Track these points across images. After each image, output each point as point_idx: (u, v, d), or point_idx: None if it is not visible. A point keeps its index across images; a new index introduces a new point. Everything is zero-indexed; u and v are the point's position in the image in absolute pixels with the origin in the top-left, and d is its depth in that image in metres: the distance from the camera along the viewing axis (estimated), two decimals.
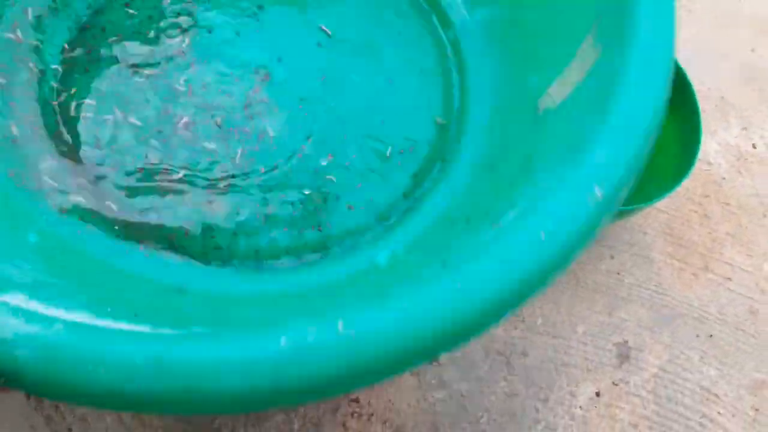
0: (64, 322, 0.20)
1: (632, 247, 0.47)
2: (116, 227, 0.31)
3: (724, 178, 0.50)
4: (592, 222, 0.22)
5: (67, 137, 0.33)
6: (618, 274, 0.46)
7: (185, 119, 0.34)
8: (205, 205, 0.33)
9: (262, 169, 0.34)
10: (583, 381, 0.43)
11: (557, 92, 0.31)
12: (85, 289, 0.25)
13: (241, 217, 0.33)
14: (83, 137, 0.33)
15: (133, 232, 0.31)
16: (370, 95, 0.37)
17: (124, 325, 0.20)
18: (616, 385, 0.43)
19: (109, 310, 0.22)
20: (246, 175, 0.34)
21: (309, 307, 0.25)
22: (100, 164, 0.33)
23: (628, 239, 0.48)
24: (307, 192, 0.34)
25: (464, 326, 0.20)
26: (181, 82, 0.35)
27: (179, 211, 0.32)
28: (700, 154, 0.50)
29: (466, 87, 0.38)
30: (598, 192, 0.22)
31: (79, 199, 0.31)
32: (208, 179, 0.33)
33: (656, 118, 0.24)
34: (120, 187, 0.32)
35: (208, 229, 0.32)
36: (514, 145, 0.33)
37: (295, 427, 0.40)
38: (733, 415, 0.44)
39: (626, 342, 0.44)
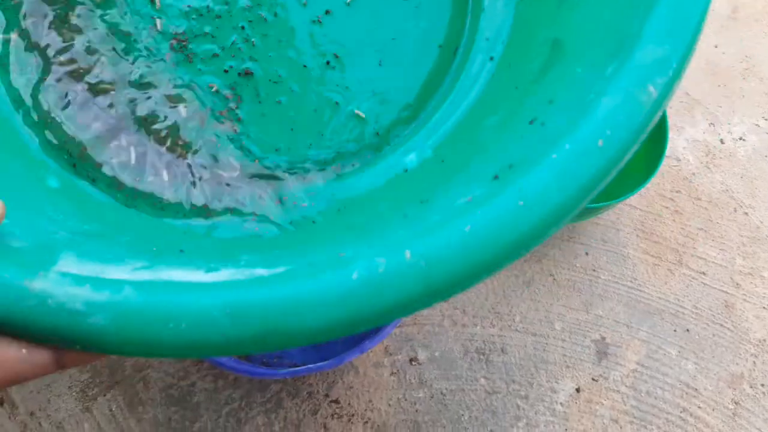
0: (132, 284, 0.20)
1: (606, 244, 0.48)
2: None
3: (693, 174, 0.51)
4: (646, 124, 0.21)
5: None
6: (593, 271, 0.47)
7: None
8: (227, 125, 0.32)
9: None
10: (563, 377, 0.43)
11: None
12: (124, 232, 0.25)
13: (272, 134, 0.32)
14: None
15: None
16: None
17: (184, 273, 0.21)
18: (596, 380, 0.44)
19: (154, 249, 0.22)
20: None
21: (366, 231, 0.24)
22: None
23: (601, 236, 0.48)
24: (336, 101, 0.33)
25: (529, 236, 0.20)
26: None
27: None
28: (669, 151, 0.52)
29: None
30: (653, 90, 0.21)
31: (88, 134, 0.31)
32: (227, 96, 0.33)
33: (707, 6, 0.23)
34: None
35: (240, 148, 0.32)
36: (536, 29, 0.31)
37: (276, 429, 0.40)
38: (713, 409, 0.44)
39: (604, 338, 0.45)
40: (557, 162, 0.20)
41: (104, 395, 0.40)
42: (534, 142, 0.23)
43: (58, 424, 0.39)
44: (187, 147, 0.32)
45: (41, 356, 0.20)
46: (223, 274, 0.21)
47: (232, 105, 0.33)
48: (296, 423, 0.40)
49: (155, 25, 0.34)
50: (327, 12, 0.35)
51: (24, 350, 0.20)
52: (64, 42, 0.32)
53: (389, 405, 0.41)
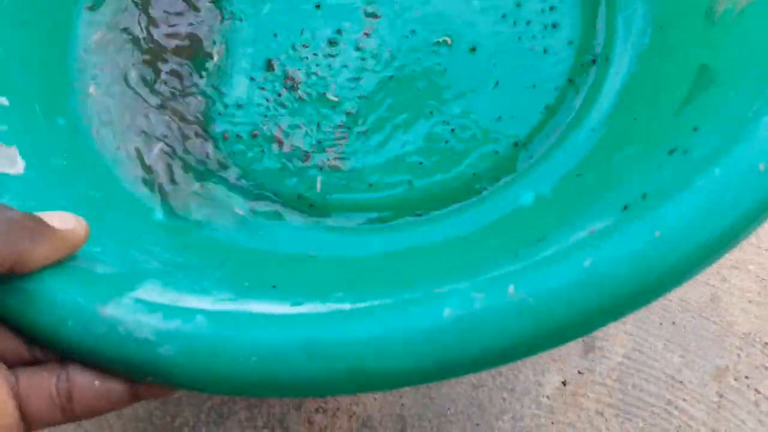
0: (205, 313, 0.18)
1: None
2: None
3: None
4: None
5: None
6: None
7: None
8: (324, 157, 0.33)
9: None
10: (549, 371, 0.43)
11: None
12: (217, 265, 0.24)
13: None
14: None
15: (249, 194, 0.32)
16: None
17: (266, 306, 0.19)
18: (582, 374, 0.43)
19: (246, 284, 0.21)
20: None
21: (465, 265, 0.22)
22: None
23: None
24: (452, 128, 0.33)
25: (667, 275, 0.17)
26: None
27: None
28: None
29: None
30: None
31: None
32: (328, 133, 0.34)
33: None
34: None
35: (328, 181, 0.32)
36: (680, 54, 0.28)
37: (259, 424, 0.39)
38: (698, 402, 0.45)
39: None
40: (704, 189, 0.17)
41: None
42: (674, 170, 0.20)
43: None
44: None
45: (114, 388, 0.19)
46: (306, 307, 0.19)
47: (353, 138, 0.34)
48: (280, 418, 0.40)
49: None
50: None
51: (96, 381, 0.19)
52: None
53: (375, 399, 0.41)
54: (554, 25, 0.35)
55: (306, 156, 0.33)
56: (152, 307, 0.19)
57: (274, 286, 0.22)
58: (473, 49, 0.35)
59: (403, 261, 0.28)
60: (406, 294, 0.19)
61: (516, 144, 0.33)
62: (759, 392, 0.46)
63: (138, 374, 0.19)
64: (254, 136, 0.34)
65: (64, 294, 0.19)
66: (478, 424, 0.41)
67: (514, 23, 0.35)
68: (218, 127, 0.34)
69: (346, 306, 0.18)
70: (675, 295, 0.46)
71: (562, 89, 0.33)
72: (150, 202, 0.29)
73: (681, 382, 0.44)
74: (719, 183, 0.17)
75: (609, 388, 0.43)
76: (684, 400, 0.44)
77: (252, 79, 0.35)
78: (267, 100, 0.35)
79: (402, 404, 0.41)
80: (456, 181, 0.32)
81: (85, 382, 0.19)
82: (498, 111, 0.33)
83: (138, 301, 0.19)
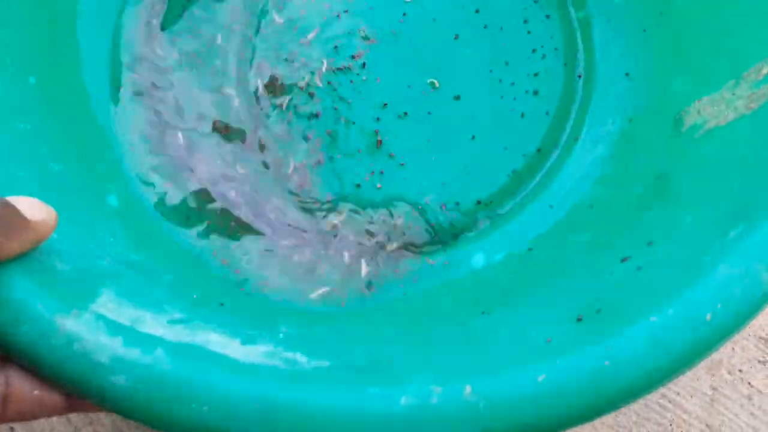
0: (164, 345, 0.18)
1: None
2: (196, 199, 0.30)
3: None
4: (761, 306, 0.19)
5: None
6: None
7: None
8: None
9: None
10: None
11: (711, 112, 0.27)
12: (168, 269, 0.24)
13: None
14: None
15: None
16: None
17: (220, 340, 0.19)
18: None
19: (195, 296, 0.21)
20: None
21: (424, 339, 0.22)
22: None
23: None
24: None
25: (611, 401, 0.18)
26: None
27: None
28: None
29: (593, 79, 0.35)
30: None
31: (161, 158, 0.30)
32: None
33: None
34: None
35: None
36: (644, 154, 0.29)
37: None
38: (692, 396, 0.45)
39: None
40: (656, 327, 0.18)
41: None
42: (627, 288, 0.21)
43: None
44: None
45: (52, 400, 0.19)
46: (259, 351, 0.19)
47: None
48: None
49: None
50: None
51: (36, 391, 0.18)
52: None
53: None
54: (535, 92, 0.35)
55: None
56: (114, 329, 0.18)
57: (221, 304, 0.22)
58: (457, 98, 0.35)
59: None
60: (362, 357, 0.19)
61: (479, 202, 0.33)
62: (752, 386, 0.45)
63: (81, 393, 0.18)
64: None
65: (24, 294, 0.18)
66: None
67: (500, 81, 0.35)
68: None
69: (302, 360, 0.19)
70: None
71: (530, 157, 0.34)
72: (106, 183, 0.28)
73: None
74: (671, 323, 0.18)
75: None
76: (677, 393, 0.44)
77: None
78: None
79: None
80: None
81: (24, 390, 0.18)
82: (469, 164, 0.34)
83: (99, 317, 0.18)
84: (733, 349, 0.45)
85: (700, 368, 0.45)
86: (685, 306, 0.18)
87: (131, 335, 0.18)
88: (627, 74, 0.33)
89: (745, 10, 0.27)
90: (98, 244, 0.22)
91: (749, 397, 0.45)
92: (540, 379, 0.17)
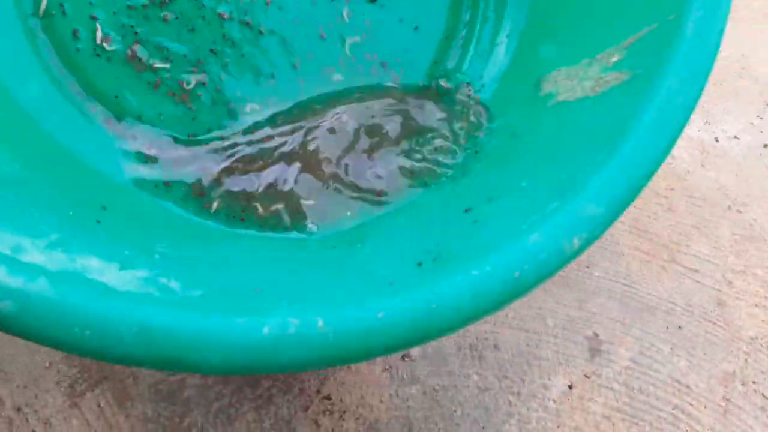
0: (46, 273, 0.19)
1: (599, 241, 0.48)
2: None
3: (688, 172, 0.51)
4: (558, 269, 0.22)
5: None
6: (587, 267, 0.47)
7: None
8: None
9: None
10: (556, 374, 0.43)
11: (565, 85, 0.29)
12: (45, 182, 0.25)
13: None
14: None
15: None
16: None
17: (97, 264, 0.20)
18: (588, 377, 0.43)
19: (71, 213, 0.22)
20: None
21: (290, 285, 0.25)
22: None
23: None
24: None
25: (429, 336, 0.21)
26: None
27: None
28: None
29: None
30: (576, 243, 0.22)
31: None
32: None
33: (652, 171, 0.24)
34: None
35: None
36: (508, 115, 0.31)
37: (266, 425, 0.40)
38: (705, 407, 0.44)
39: (597, 335, 0.45)
40: (476, 279, 0.21)
41: (93, 390, 0.39)
42: (462, 239, 0.24)
43: (45, 420, 0.38)
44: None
45: None
46: (136, 277, 0.21)
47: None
48: (287, 419, 0.40)
49: None
50: None
51: None
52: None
53: (381, 401, 0.41)
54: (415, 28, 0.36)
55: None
56: None
57: (98, 221, 0.24)
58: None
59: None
60: (231, 286, 0.22)
61: None
62: (766, 397, 0.45)
63: None
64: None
65: None
66: (484, 428, 0.41)
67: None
68: None
69: (176, 286, 0.21)
70: (681, 300, 0.46)
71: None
72: None
73: (687, 386, 0.44)
74: (487, 278, 0.21)
75: (615, 392, 0.43)
76: (691, 404, 0.44)
77: None
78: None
79: (409, 407, 0.41)
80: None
81: None
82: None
83: None
84: (746, 360, 0.45)
85: (713, 379, 0.45)
86: (501, 264, 0.22)
87: (14, 265, 0.19)
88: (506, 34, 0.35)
89: None
90: None
91: (763, 408, 0.45)
92: (380, 315, 0.20)
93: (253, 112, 0.33)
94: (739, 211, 0.50)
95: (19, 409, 0.39)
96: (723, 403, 0.45)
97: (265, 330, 0.19)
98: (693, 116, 0.55)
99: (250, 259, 0.27)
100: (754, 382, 0.46)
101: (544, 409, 0.42)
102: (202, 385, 0.40)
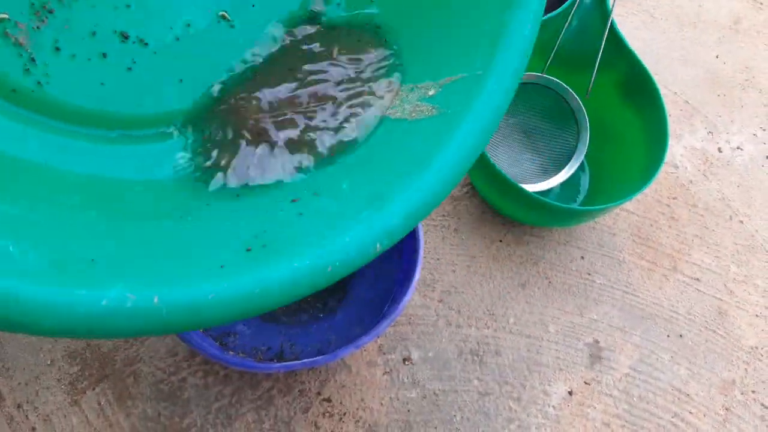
0: None
1: (602, 248, 0.48)
2: None
3: (691, 181, 0.51)
4: (360, 265, 0.25)
5: None
6: (589, 275, 0.47)
7: None
8: None
9: None
10: (556, 380, 0.43)
11: (398, 100, 0.32)
12: None
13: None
14: None
15: None
16: None
17: None
18: (588, 384, 0.43)
19: None
20: None
21: (133, 254, 0.27)
22: None
23: (598, 240, 0.48)
24: None
25: (244, 315, 0.24)
26: None
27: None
28: (668, 158, 0.52)
29: None
30: (378, 247, 0.25)
31: None
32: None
33: (443, 197, 0.27)
34: None
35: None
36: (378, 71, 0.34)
37: (266, 426, 0.40)
38: (705, 415, 0.44)
39: (597, 342, 0.45)
40: (294, 271, 0.24)
41: (93, 389, 0.39)
42: (288, 229, 0.27)
43: (45, 417, 0.38)
44: None
45: None
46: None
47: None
48: (287, 420, 0.40)
49: None
50: None
51: None
52: None
53: (381, 404, 0.41)
54: None
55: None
56: None
57: None
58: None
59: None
60: (68, 253, 0.23)
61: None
62: (765, 406, 0.45)
63: None
64: None
65: None
66: None
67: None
68: None
69: (14, 252, 0.22)
70: (682, 308, 0.46)
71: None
72: None
73: (687, 394, 0.44)
74: (303, 271, 0.24)
75: (615, 399, 0.43)
76: (690, 412, 0.44)
77: None
78: None
79: (408, 410, 0.41)
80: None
81: None
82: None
83: None
84: (745, 369, 0.45)
85: (714, 388, 0.45)
86: (317, 258, 0.24)
87: None
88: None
89: (441, 33, 0.33)
90: None
91: (762, 418, 0.45)
92: (210, 297, 0.23)
93: None
94: (741, 222, 0.50)
95: (19, 406, 0.39)
96: (722, 412, 0.45)
97: (104, 302, 0.21)
98: (697, 126, 0.56)
99: (92, 226, 0.29)
100: (753, 392, 0.46)
101: (543, 415, 0.42)
102: (202, 385, 0.40)
